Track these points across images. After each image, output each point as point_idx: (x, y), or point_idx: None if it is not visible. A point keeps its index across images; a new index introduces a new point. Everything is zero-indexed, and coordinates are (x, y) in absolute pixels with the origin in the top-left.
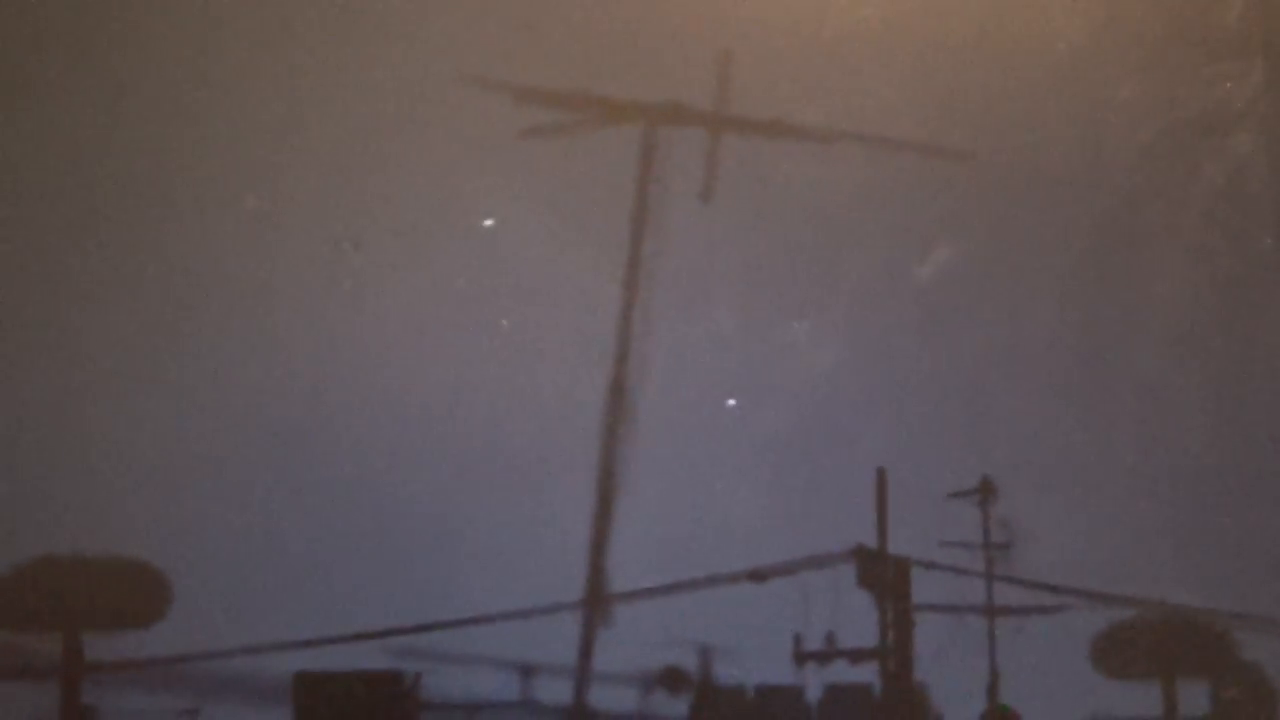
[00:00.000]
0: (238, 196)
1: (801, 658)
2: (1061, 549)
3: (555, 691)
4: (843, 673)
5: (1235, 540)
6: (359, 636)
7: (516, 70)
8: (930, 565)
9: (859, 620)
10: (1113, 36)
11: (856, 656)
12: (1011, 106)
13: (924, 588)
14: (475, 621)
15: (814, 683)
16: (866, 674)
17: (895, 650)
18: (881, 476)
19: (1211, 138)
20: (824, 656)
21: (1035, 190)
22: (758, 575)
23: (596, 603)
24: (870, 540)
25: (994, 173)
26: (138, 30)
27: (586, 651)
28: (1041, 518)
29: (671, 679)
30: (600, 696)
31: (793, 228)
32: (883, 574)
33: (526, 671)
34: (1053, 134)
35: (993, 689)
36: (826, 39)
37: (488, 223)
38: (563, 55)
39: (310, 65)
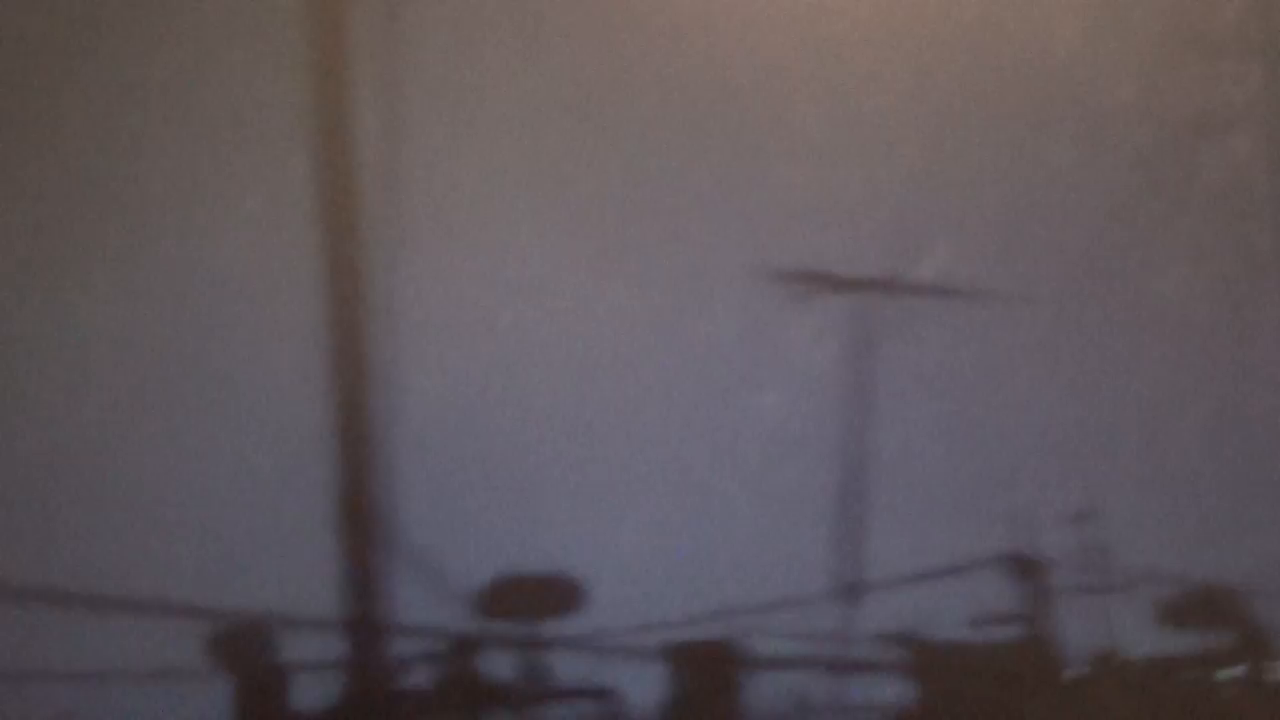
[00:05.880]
0: (238, 196)
1: None
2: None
3: None
4: None
5: (1236, 543)
6: None
7: None
8: None
9: None
10: (1112, 37)
11: None
12: (1010, 106)
13: None
14: None
15: None
16: None
17: None
18: None
19: (1211, 138)
20: None
21: (1033, 190)
22: None
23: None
24: None
25: (993, 172)
26: (138, 29)
27: None
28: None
29: None
30: None
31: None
32: None
33: None
34: (1052, 134)
35: None
36: (824, 38)
37: None
38: None
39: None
